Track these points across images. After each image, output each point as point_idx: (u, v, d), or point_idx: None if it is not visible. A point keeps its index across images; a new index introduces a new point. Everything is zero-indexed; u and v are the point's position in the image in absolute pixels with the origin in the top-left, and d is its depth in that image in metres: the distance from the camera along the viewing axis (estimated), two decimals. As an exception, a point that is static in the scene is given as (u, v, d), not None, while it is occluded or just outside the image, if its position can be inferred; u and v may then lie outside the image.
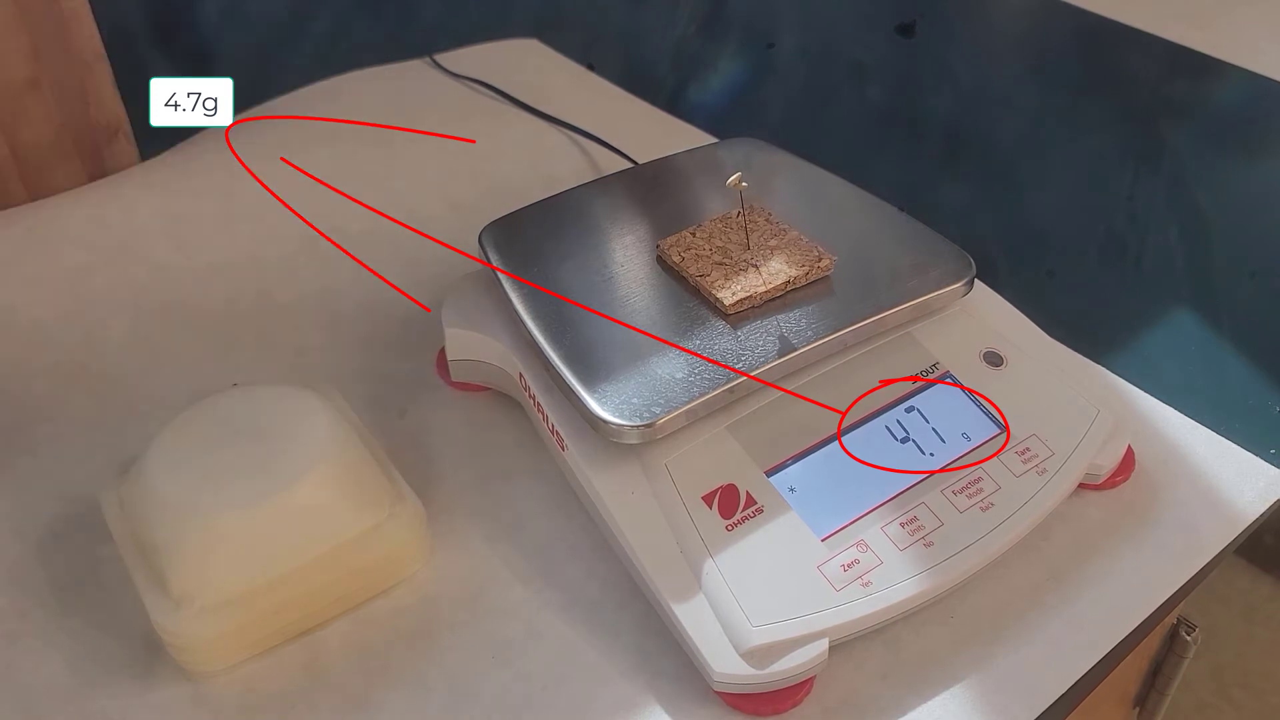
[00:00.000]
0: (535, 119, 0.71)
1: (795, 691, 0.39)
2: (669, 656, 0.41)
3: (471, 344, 0.50)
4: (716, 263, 0.47)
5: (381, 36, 0.78)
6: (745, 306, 0.46)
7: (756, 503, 0.42)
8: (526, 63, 0.79)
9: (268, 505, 0.40)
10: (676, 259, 0.48)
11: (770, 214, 0.50)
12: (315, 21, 0.74)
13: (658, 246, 0.49)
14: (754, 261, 0.47)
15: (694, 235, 0.49)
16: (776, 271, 0.47)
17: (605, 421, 0.41)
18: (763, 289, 0.46)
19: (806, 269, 0.47)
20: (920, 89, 0.81)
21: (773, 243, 0.48)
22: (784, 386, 0.45)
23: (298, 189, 0.63)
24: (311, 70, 0.73)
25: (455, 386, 0.53)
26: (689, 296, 0.47)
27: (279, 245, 0.61)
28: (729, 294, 0.46)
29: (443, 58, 0.78)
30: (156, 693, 0.40)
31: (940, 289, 0.47)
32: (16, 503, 0.47)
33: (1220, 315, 0.59)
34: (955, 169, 0.72)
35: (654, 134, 0.71)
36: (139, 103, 0.63)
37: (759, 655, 0.38)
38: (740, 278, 0.46)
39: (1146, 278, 0.62)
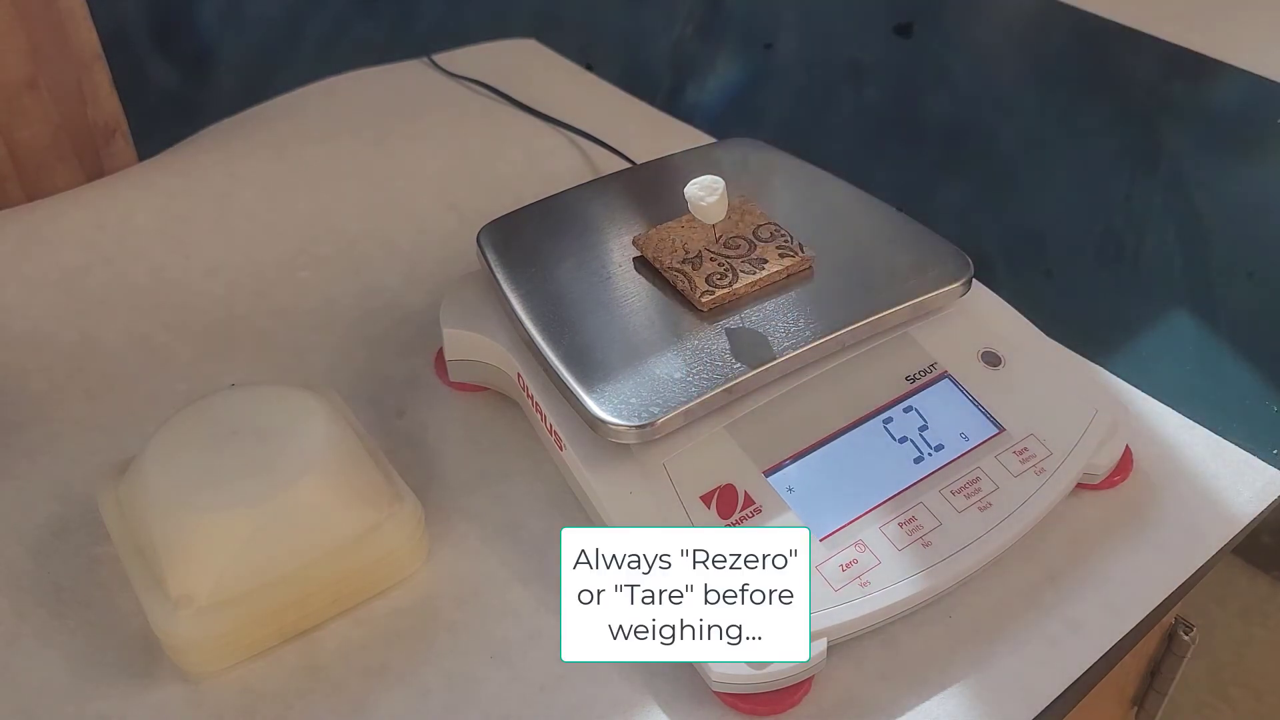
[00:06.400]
0: (533, 119, 0.71)
1: (794, 692, 0.39)
2: (667, 656, 0.41)
3: (470, 344, 0.50)
4: (689, 259, 0.47)
5: (380, 37, 0.78)
6: (719, 304, 0.46)
7: (755, 503, 0.42)
8: (525, 63, 0.79)
9: (266, 506, 0.40)
10: (651, 253, 0.48)
11: (752, 206, 0.50)
12: (314, 21, 0.73)
13: (634, 241, 0.49)
14: (723, 255, 0.47)
15: (673, 230, 0.49)
16: (749, 269, 0.47)
17: (603, 421, 0.41)
18: (738, 286, 0.46)
19: (784, 267, 0.47)
20: (918, 89, 0.80)
21: (743, 238, 0.48)
22: (782, 386, 0.45)
23: (295, 189, 0.63)
24: (310, 70, 0.73)
25: (453, 387, 0.53)
26: (687, 296, 0.47)
27: (276, 245, 0.61)
28: (703, 290, 0.46)
29: (441, 58, 0.78)
30: (154, 693, 0.40)
31: (938, 289, 0.47)
32: (14, 503, 0.47)
33: (1218, 315, 0.59)
34: (953, 169, 0.72)
35: (652, 134, 0.71)
36: (137, 103, 0.63)
37: (757, 655, 0.38)
38: (714, 275, 0.46)
39: (1144, 278, 0.62)
